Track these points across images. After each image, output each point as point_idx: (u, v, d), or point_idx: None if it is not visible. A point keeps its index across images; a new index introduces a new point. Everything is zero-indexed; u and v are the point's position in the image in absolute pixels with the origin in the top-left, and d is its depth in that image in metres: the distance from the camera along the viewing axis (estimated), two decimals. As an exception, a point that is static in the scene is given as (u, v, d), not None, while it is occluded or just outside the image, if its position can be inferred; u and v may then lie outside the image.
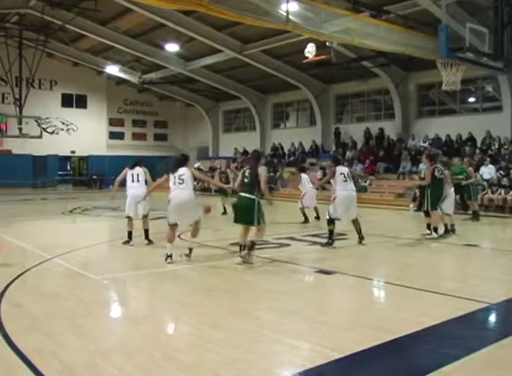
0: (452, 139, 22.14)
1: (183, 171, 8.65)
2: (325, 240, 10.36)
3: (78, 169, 36.76)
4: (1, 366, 4.21)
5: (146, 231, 10.51)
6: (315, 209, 14.42)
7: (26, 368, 4.14)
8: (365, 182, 22.45)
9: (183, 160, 8.97)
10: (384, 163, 23.78)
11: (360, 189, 21.35)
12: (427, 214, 11.38)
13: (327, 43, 18.88)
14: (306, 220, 14.13)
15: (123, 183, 10.51)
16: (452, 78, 16.03)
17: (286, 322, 5.46)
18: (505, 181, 17.96)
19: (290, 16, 13.84)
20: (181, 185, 8.51)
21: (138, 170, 10.59)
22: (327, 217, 10.20)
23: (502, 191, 17.52)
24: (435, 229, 11.28)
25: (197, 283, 7.47)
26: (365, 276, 7.72)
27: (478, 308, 5.86)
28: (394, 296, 6.68)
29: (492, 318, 5.96)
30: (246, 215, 8.33)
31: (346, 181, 10.13)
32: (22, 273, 7.54)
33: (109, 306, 6.32)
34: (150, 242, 10.37)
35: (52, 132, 33.17)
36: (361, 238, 10.35)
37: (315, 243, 10.72)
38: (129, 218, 10.40)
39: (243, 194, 8.40)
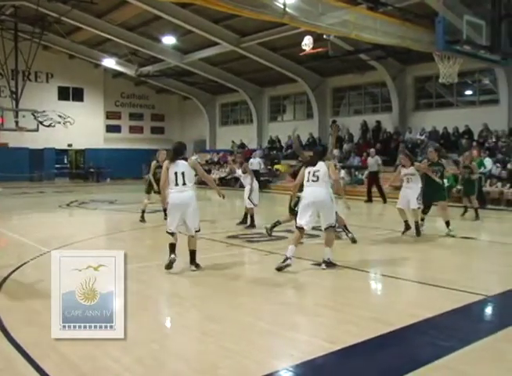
0: (449, 131, 22.13)
1: (320, 166, 7.33)
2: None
3: (75, 162, 36.69)
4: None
5: (193, 252, 7.48)
6: None
7: (24, 361, 4.15)
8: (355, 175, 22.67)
9: (321, 154, 7.61)
10: (380, 156, 23.74)
11: (357, 182, 21.59)
12: None
13: (324, 36, 18.85)
14: None
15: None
16: (449, 71, 16.02)
17: (284, 314, 5.47)
18: (503, 174, 17.97)
19: (287, 9, 13.79)
20: (315, 182, 7.25)
21: (183, 165, 7.26)
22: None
23: (499, 184, 17.59)
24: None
25: (194, 276, 7.47)
26: (362, 268, 7.72)
27: (475, 300, 5.90)
28: (392, 288, 6.70)
29: (489, 310, 6.00)
30: None
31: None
32: (19, 267, 7.53)
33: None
34: (198, 267, 7.44)
35: (49, 125, 32.96)
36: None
37: (312, 236, 10.69)
38: (173, 233, 7.39)
39: None
